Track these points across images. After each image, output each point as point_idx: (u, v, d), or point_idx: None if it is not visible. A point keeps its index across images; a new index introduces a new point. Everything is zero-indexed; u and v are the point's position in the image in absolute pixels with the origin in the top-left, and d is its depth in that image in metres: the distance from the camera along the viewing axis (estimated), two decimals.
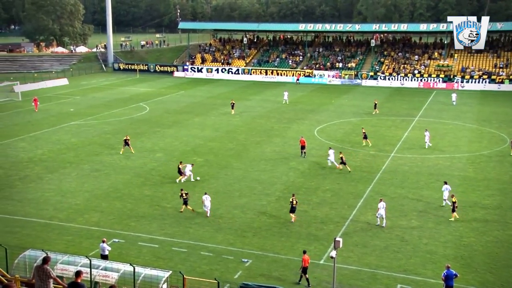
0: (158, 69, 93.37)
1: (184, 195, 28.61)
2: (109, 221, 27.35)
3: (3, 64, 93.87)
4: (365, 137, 42.09)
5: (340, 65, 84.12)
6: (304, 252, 21.53)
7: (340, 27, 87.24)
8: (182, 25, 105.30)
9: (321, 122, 51.84)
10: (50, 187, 32.39)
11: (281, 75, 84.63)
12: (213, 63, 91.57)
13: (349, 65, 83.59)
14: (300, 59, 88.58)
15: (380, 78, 79.11)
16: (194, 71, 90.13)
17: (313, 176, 34.80)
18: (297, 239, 25.29)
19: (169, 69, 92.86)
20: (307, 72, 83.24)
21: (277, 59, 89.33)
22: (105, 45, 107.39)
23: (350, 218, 27.81)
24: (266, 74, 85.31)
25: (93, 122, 51.66)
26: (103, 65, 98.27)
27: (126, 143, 39.98)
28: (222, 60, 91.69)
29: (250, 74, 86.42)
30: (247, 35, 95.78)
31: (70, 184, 33.07)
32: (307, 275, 21.14)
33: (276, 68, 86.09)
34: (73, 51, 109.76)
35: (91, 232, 25.95)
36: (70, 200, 30.23)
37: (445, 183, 29.64)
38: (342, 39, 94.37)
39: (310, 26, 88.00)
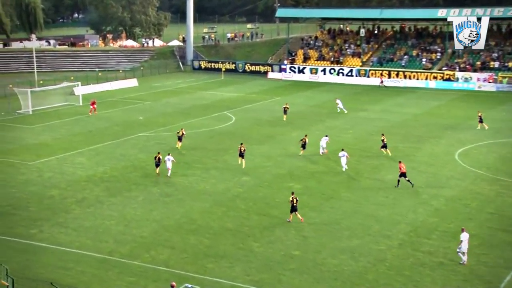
0: (248, 68, 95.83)
1: (157, 159, 39.76)
2: (181, 260, 28.21)
3: (63, 60, 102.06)
4: (385, 146, 45.38)
5: (496, 64, 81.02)
6: None
7: (498, 12, 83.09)
8: (280, 12, 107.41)
9: (465, 142, 50.04)
10: (111, 214, 34.21)
11: (410, 78, 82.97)
12: (319, 62, 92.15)
13: (510, 64, 79.96)
14: (438, 57, 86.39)
15: None
16: (294, 72, 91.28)
17: (452, 216, 33.48)
18: None
19: (262, 68, 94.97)
20: (447, 75, 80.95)
21: (405, 57, 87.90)
22: (183, 38, 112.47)
23: (508, 277, 26.27)
24: (390, 77, 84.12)
25: (165, 134, 54.00)
26: (180, 63, 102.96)
27: (179, 138, 47.59)
28: (332, 58, 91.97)
29: (368, 76, 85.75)
30: (365, 26, 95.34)
31: (135, 211, 34.69)
32: None
33: (403, 69, 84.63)
34: (145, 45, 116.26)
35: (158, 272, 26.91)
36: (134, 231, 31.66)
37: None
38: (500, 28, 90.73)
39: (453, 12, 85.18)
